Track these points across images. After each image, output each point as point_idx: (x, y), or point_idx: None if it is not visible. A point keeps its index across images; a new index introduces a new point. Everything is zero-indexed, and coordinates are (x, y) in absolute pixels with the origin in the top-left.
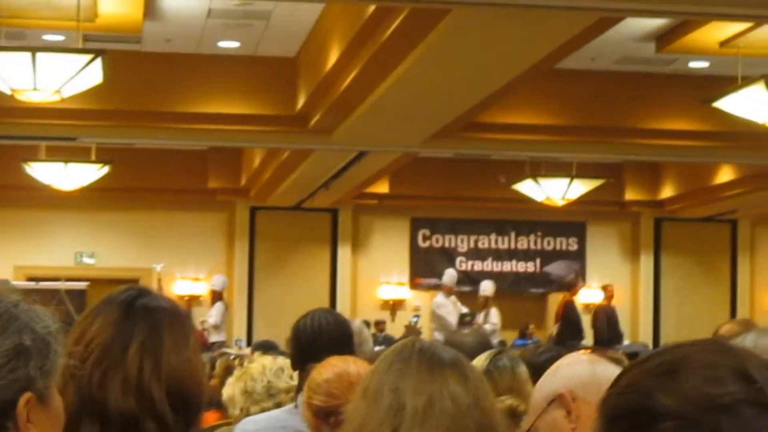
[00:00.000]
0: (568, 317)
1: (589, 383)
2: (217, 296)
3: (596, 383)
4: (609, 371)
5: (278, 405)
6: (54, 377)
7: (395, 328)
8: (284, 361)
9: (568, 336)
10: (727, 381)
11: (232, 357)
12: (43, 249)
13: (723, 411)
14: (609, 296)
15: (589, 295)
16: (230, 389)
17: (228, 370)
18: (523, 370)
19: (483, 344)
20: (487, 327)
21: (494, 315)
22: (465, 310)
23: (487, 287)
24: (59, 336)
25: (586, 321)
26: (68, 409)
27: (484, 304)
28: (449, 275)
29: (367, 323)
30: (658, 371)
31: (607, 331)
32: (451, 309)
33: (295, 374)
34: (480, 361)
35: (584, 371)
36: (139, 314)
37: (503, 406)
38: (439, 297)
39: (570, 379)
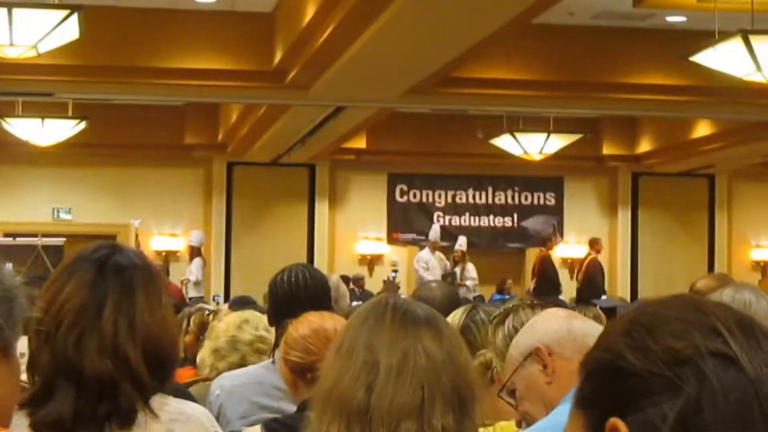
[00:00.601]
0: (545, 272)
1: (565, 338)
2: (195, 252)
3: (572, 338)
4: (584, 327)
5: (243, 357)
6: (18, 330)
7: (373, 284)
8: (251, 314)
9: (545, 291)
10: (692, 335)
11: (207, 313)
12: (20, 205)
13: (684, 363)
14: (598, 251)
15: (566, 250)
16: (201, 351)
17: (203, 326)
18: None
19: (451, 297)
20: (468, 283)
21: (471, 270)
22: (449, 267)
23: (462, 242)
24: (23, 289)
25: (564, 275)
26: (43, 372)
27: (460, 259)
28: (434, 231)
29: (346, 279)
30: (628, 330)
31: (600, 285)
32: (435, 264)
33: (260, 325)
34: (456, 317)
35: (560, 327)
36: (112, 274)
37: (483, 360)
38: (424, 252)
39: (546, 334)
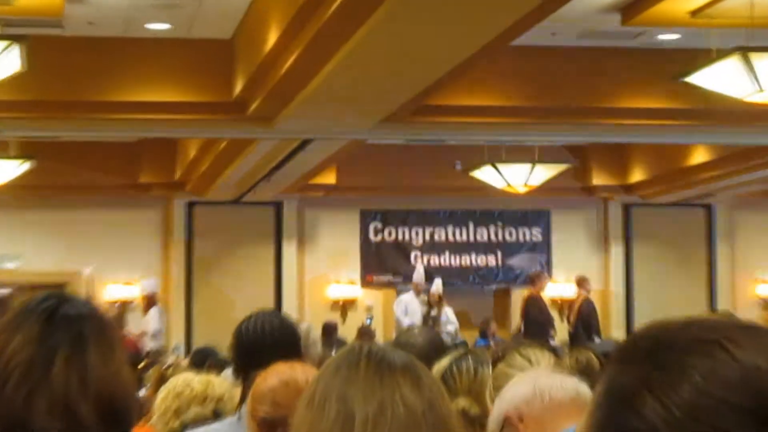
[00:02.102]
0: (531, 315)
1: (531, 398)
2: (150, 301)
3: (539, 396)
4: (550, 383)
5: (200, 415)
6: None
7: (347, 330)
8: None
9: (533, 334)
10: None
11: (166, 366)
12: None
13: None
14: (587, 290)
15: (555, 289)
16: (155, 407)
17: (162, 380)
18: (487, 372)
19: (433, 343)
20: (449, 328)
21: (450, 314)
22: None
23: (438, 285)
24: None
25: (553, 315)
26: None
27: (436, 303)
28: (418, 273)
29: (331, 327)
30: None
31: (594, 326)
32: (417, 308)
33: (208, 379)
34: (443, 363)
35: (525, 388)
36: (62, 326)
37: (455, 408)
38: (406, 295)
39: (513, 398)
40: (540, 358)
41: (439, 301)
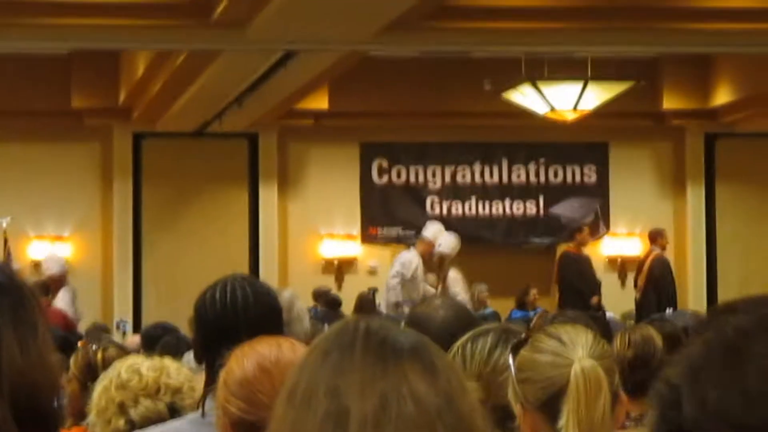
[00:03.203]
0: (568, 277)
1: None
2: (57, 282)
3: None
4: None
5: (150, 410)
6: None
7: (343, 299)
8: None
9: (570, 303)
10: None
11: (94, 348)
12: None
13: None
14: (662, 246)
15: (613, 245)
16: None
17: (88, 369)
18: (506, 355)
19: (460, 318)
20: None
21: (455, 282)
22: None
23: (446, 243)
24: None
25: (611, 280)
26: None
27: (438, 265)
28: (432, 229)
29: (323, 294)
30: None
31: (668, 293)
32: (419, 274)
33: (162, 365)
34: (459, 342)
35: None
36: None
37: None
38: (408, 253)
39: None
40: (575, 339)
41: (441, 263)
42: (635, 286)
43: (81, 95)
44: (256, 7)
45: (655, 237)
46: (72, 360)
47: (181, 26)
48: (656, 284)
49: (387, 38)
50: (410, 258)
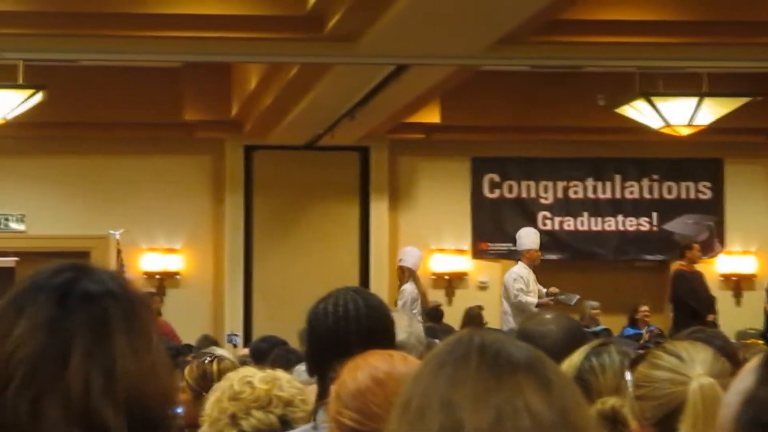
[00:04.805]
0: (678, 295)
1: None
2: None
3: None
4: None
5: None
6: None
7: (453, 314)
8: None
9: (684, 321)
10: None
11: (207, 360)
12: None
13: None
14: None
15: (728, 263)
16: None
17: (204, 380)
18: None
19: (573, 332)
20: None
21: (407, 292)
22: (545, 290)
23: (407, 256)
24: None
25: (726, 299)
26: None
27: (400, 279)
28: (528, 235)
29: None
30: None
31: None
32: (534, 286)
33: (274, 376)
34: (576, 358)
35: None
36: (80, 307)
37: (604, 408)
38: (518, 267)
39: None
40: (694, 356)
41: (402, 276)
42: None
43: (193, 108)
44: (369, 21)
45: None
46: (186, 370)
47: (294, 39)
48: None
49: (499, 52)
50: (519, 271)
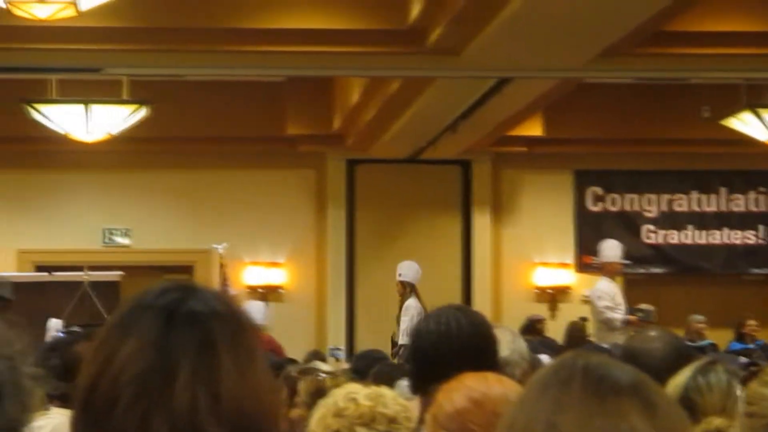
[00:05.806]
0: None
1: None
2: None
3: None
4: None
5: None
6: (26, 411)
7: (556, 327)
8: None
9: None
10: None
11: (322, 377)
12: (58, 226)
13: None
14: None
15: None
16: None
17: (318, 395)
18: (739, 388)
19: (677, 351)
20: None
21: (412, 307)
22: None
23: (407, 270)
24: (26, 355)
25: None
26: None
27: (401, 294)
28: (611, 248)
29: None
30: None
31: None
32: (621, 300)
33: (378, 393)
34: (683, 376)
35: None
36: (186, 327)
37: (709, 429)
38: (600, 283)
39: None
40: None
41: (404, 292)
42: None
43: (296, 122)
44: (470, 35)
45: None
46: (301, 386)
47: (396, 53)
48: None
49: (602, 65)
50: (602, 287)
